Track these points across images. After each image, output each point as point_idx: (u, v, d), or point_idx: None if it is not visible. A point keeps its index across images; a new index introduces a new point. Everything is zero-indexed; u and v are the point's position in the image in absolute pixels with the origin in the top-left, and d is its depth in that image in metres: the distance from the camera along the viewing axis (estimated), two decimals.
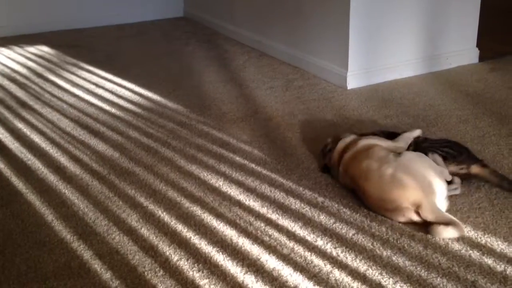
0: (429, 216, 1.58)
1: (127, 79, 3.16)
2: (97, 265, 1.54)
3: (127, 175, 2.04)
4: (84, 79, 3.20)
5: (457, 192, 1.78)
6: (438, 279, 1.41)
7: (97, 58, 3.60)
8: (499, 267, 1.45)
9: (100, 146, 2.29)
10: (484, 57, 3.24)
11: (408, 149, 1.89)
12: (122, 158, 2.18)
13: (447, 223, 1.56)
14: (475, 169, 1.79)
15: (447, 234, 1.55)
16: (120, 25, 4.54)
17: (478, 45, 3.22)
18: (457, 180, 1.79)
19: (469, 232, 1.60)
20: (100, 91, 2.98)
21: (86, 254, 1.58)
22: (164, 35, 4.23)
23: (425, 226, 1.60)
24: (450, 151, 1.81)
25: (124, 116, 2.63)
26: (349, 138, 1.92)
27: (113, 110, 2.70)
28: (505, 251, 1.51)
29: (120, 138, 2.37)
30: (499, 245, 1.54)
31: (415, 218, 1.61)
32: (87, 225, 1.73)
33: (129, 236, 1.66)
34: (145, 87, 3.01)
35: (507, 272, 1.42)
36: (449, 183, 1.74)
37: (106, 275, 1.49)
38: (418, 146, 1.89)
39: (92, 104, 2.79)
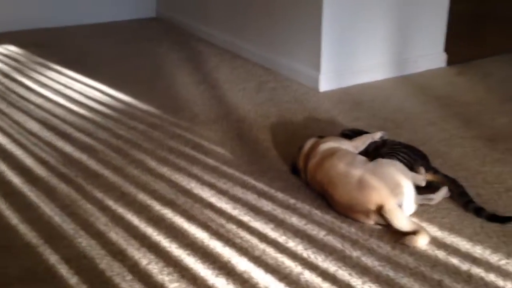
0: (390, 219, 1.59)
1: (97, 79, 3.11)
2: (63, 269, 1.50)
3: (95, 178, 2.00)
4: (52, 79, 3.13)
5: (432, 202, 1.76)
6: (405, 279, 1.44)
7: (66, 58, 3.53)
8: (464, 266, 1.48)
9: (68, 148, 2.25)
10: (452, 61, 3.32)
11: (368, 150, 1.91)
12: (90, 160, 2.14)
13: (414, 231, 1.57)
14: (427, 176, 1.83)
15: (415, 243, 1.56)
16: (90, 25, 4.47)
17: (446, 50, 3.29)
18: (442, 192, 1.78)
19: (435, 232, 1.63)
20: (68, 92, 2.92)
21: (52, 258, 1.55)
22: (136, 35, 4.18)
23: (391, 228, 1.63)
24: (407, 158, 1.83)
25: (93, 117, 2.58)
26: (310, 142, 1.93)
27: (82, 111, 2.65)
28: (470, 250, 1.55)
29: (89, 140, 2.33)
30: (464, 245, 1.57)
31: (380, 220, 1.63)
32: (53, 229, 1.69)
33: (97, 240, 1.63)
34: (116, 88, 2.97)
35: (472, 272, 1.46)
36: (428, 191, 1.75)
37: (73, 279, 1.46)
38: (377, 150, 1.91)
39: (60, 105, 2.73)
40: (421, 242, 1.55)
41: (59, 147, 2.25)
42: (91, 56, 3.63)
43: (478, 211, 1.69)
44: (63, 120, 2.54)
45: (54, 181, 1.98)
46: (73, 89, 2.97)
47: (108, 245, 1.61)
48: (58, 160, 2.14)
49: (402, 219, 1.59)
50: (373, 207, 1.62)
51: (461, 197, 1.76)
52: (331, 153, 1.80)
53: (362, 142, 1.94)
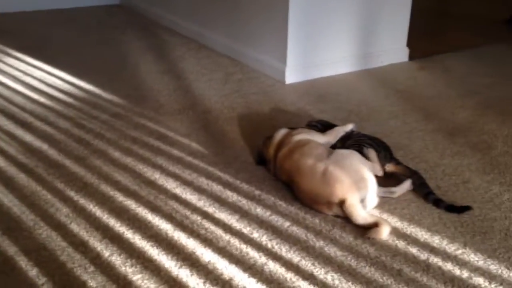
0: (350, 213, 1.62)
1: (57, 67, 3.02)
2: (22, 261, 1.46)
3: (56, 168, 1.95)
4: (11, 66, 3.02)
5: (394, 195, 1.80)
6: (367, 268, 1.47)
7: (26, 44, 3.41)
8: (423, 256, 1.53)
9: (27, 137, 2.18)
10: (414, 56, 3.39)
11: (338, 143, 1.94)
12: (51, 150, 2.09)
13: (375, 223, 1.61)
14: (389, 167, 1.88)
15: (378, 235, 1.59)
16: (50, 10, 4.33)
17: (408, 45, 3.37)
18: (404, 186, 1.82)
19: (396, 223, 1.68)
20: (28, 79, 2.83)
21: (11, 250, 1.50)
22: (99, 22, 4.08)
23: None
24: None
25: (54, 105, 2.51)
26: (281, 133, 1.94)
27: (42, 99, 2.57)
28: (428, 240, 1.60)
29: (49, 129, 2.26)
30: (422, 235, 1.62)
31: (341, 213, 1.66)
32: (12, 220, 1.64)
33: (58, 231, 1.60)
34: (78, 76, 2.89)
35: (430, 261, 1.51)
36: (390, 183, 1.78)
37: (33, 272, 1.43)
38: (342, 142, 1.94)
39: (19, 93, 2.64)
40: (384, 233, 1.59)
41: (19, 136, 2.18)
42: (52, 43, 3.52)
43: (438, 202, 1.75)
44: (23, 109, 2.46)
45: (12, 171, 1.92)
46: (33, 76, 2.88)
47: (69, 236, 1.57)
48: (17, 149, 2.08)
49: (362, 215, 1.63)
50: (335, 200, 1.65)
51: (421, 188, 1.82)
52: (302, 144, 1.82)
53: (334, 136, 1.97)
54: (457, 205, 1.74)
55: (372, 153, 1.85)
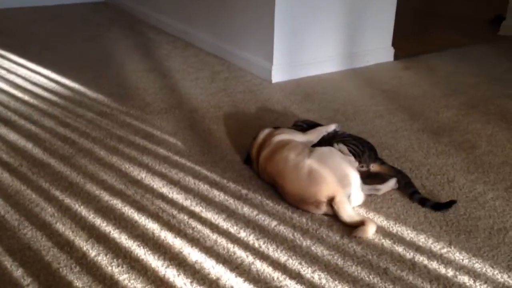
0: (338, 210, 1.63)
1: (42, 65, 2.98)
2: (7, 261, 1.44)
3: (41, 167, 1.93)
4: None
5: (379, 193, 1.82)
6: (353, 267, 1.48)
7: (9, 42, 3.36)
8: (409, 254, 1.54)
9: (11, 136, 2.15)
10: (399, 55, 3.43)
11: (320, 142, 1.95)
12: (35, 148, 2.06)
13: (361, 222, 1.62)
14: (374, 167, 1.89)
15: (364, 233, 1.61)
16: (35, 7, 4.27)
17: (393, 44, 3.39)
18: (390, 184, 1.84)
19: (382, 222, 1.69)
20: (12, 77, 2.79)
21: None
22: (84, 20, 4.04)
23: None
24: (356, 149, 1.89)
25: (39, 104, 2.48)
26: (264, 133, 1.94)
27: (26, 98, 2.54)
28: (414, 239, 1.61)
29: (34, 128, 2.24)
30: (408, 234, 1.64)
31: (330, 211, 1.67)
32: None
33: (43, 231, 1.58)
34: (62, 74, 2.86)
35: (416, 260, 1.52)
36: (375, 182, 1.81)
37: (17, 272, 1.41)
38: (327, 142, 1.95)
39: (2, 91, 2.60)
40: (370, 231, 1.60)
41: (2, 135, 2.15)
42: (36, 41, 3.47)
43: (423, 201, 1.77)
44: (6, 107, 2.42)
45: None
46: (17, 74, 2.84)
47: (55, 236, 1.56)
48: (0, 148, 2.05)
49: (349, 212, 1.64)
50: (323, 198, 1.65)
51: (406, 187, 1.83)
52: (283, 145, 1.82)
53: (316, 136, 1.97)
54: (442, 202, 1.76)
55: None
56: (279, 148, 1.82)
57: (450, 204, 1.75)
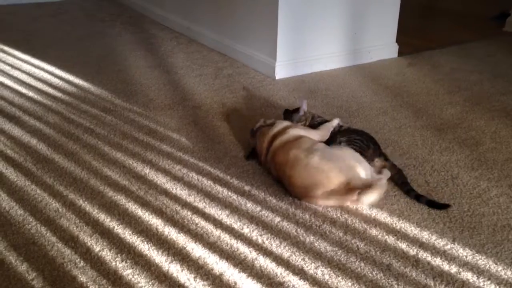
0: (359, 185, 1.67)
1: (46, 61, 2.99)
2: (12, 256, 1.45)
3: (45, 163, 1.94)
4: None
5: (382, 182, 1.84)
6: (356, 263, 1.48)
7: (14, 38, 3.37)
8: (412, 251, 1.54)
9: (16, 132, 2.16)
10: (403, 52, 3.42)
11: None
12: (40, 144, 2.07)
13: (369, 186, 1.65)
14: (377, 162, 1.90)
15: (368, 199, 1.65)
16: (39, 3, 4.27)
17: (397, 41, 3.38)
18: (384, 174, 1.85)
19: (385, 218, 1.69)
20: (16, 73, 2.79)
21: (0, 246, 1.49)
22: (87, 15, 4.04)
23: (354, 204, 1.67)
24: (361, 145, 1.90)
25: (43, 100, 2.49)
26: (279, 126, 1.95)
27: (31, 94, 2.55)
28: (417, 236, 1.61)
29: (38, 124, 2.24)
30: (412, 230, 1.64)
31: (347, 198, 1.69)
32: (1, 215, 1.62)
33: (47, 226, 1.59)
34: (66, 70, 2.87)
35: (419, 256, 1.52)
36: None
37: (22, 267, 1.42)
38: (333, 137, 1.97)
39: (7, 87, 2.61)
40: (368, 198, 1.67)
41: (7, 131, 2.16)
42: (39, 36, 3.48)
43: (418, 198, 1.78)
44: (11, 103, 2.43)
45: (0, 166, 1.90)
46: (20, 70, 2.84)
47: (59, 231, 1.57)
48: (5, 144, 2.05)
49: (368, 181, 1.68)
50: (334, 187, 1.66)
51: (402, 186, 1.85)
52: (297, 138, 1.85)
53: (326, 132, 2.01)
54: (438, 202, 1.77)
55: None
56: (292, 141, 1.84)
57: (444, 206, 1.75)
